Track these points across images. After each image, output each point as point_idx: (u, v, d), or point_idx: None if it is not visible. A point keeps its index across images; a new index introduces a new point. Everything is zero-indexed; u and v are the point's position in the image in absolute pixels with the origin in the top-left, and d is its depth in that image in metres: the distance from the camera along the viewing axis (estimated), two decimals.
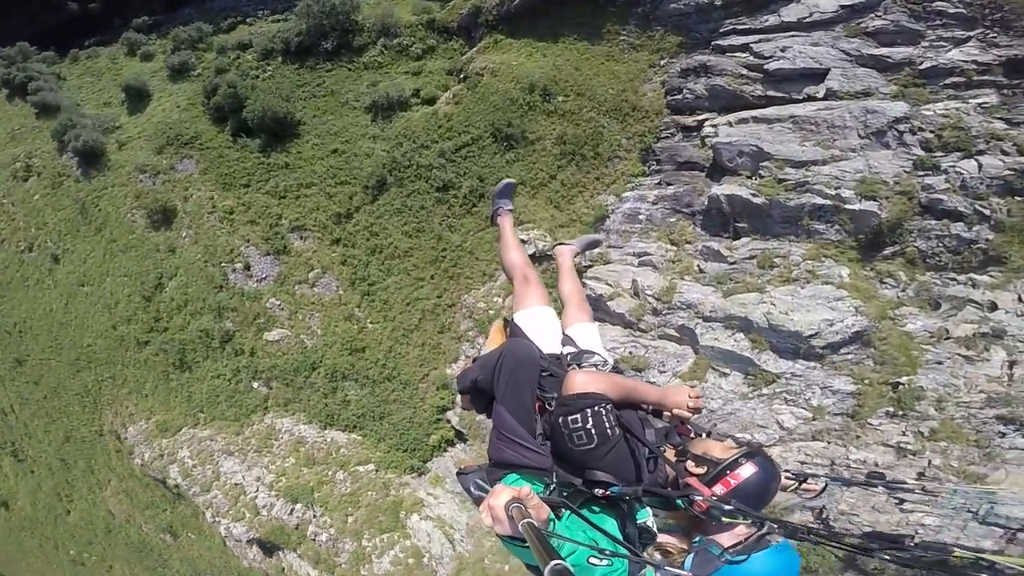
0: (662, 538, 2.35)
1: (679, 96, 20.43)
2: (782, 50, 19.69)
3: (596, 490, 2.38)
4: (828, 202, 15.26)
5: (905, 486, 3.56)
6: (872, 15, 19.17)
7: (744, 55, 20.04)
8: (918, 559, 2.06)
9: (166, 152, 23.99)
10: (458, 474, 2.84)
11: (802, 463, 11.64)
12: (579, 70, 22.33)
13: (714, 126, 19.10)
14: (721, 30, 21.48)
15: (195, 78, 26.58)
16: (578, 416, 2.46)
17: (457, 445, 18.57)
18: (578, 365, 3.12)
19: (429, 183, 21.18)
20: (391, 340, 20.67)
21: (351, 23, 25.65)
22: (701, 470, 2.39)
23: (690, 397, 2.69)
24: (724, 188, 17.21)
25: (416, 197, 21.17)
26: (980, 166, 14.20)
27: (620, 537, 2.28)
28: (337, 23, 25.37)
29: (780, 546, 2.04)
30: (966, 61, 17.14)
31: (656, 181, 19.41)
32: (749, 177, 17.22)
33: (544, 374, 2.88)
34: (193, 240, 21.97)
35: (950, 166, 14.55)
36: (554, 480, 2.51)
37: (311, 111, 23.98)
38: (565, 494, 2.46)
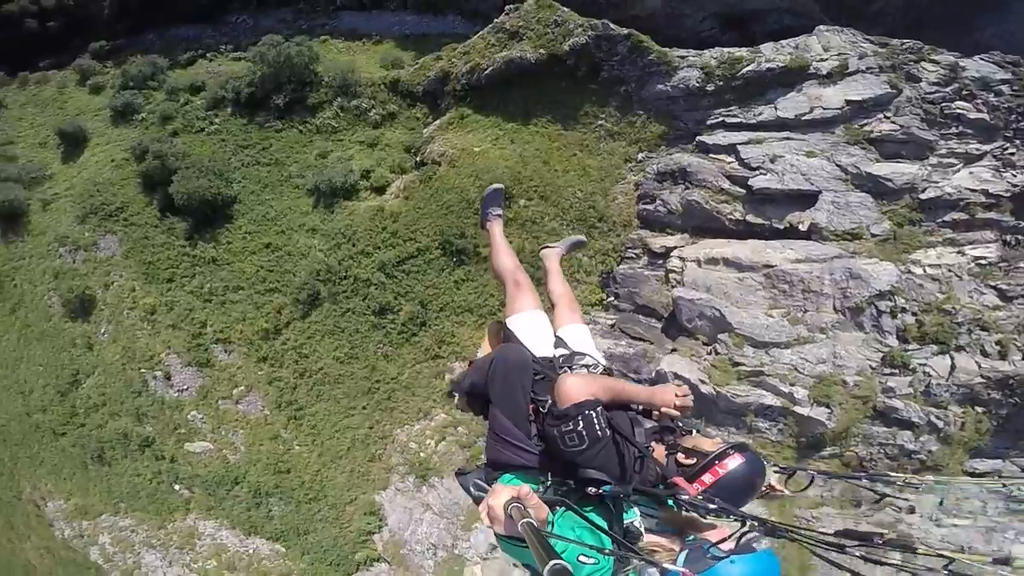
0: (649, 538, 2.37)
1: (651, 206, 17.77)
2: (771, 160, 16.87)
3: (589, 489, 2.41)
4: (778, 403, 13.39)
5: (888, 477, 2.87)
6: (880, 115, 16.52)
7: (729, 159, 17.29)
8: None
9: (90, 222, 21.50)
10: (457, 474, 2.96)
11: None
12: (548, 164, 18.96)
13: (682, 259, 16.47)
14: (709, 121, 18.49)
15: (138, 123, 23.59)
16: (569, 420, 2.49)
17: (383, 565, 16.98)
18: (569, 368, 3.14)
19: (366, 302, 18.41)
20: (319, 464, 18.59)
21: (309, 74, 22.06)
22: (691, 461, 2.45)
23: (677, 396, 2.74)
24: (675, 365, 14.76)
25: (351, 318, 18.43)
26: (953, 367, 12.52)
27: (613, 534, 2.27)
28: (293, 74, 21.83)
29: (765, 552, 2.08)
30: (974, 190, 14.96)
31: (611, 323, 16.59)
32: (706, 344, 14.99)
33: (537, 377, 2.92)
34: (112, 338, 19.75)
35: (921, 364, 12.82)
36: (549, 479, 2.60)
37: (250, 185, 20.99)
38: (560, 492, 2.53)
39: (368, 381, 18.11)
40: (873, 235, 15.24)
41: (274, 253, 19.62)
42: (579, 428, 2.45)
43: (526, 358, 2.99)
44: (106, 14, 28.53)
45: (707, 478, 2.33)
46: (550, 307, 3.83)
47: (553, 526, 2.15)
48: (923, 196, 15.17)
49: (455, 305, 18.03)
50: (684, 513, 2.29)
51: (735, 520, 2.10)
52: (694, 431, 2.75)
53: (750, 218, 16.43)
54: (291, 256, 19.41)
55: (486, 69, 20.17)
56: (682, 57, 19.11)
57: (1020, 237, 13.99)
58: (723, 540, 2.12)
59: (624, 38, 19.47)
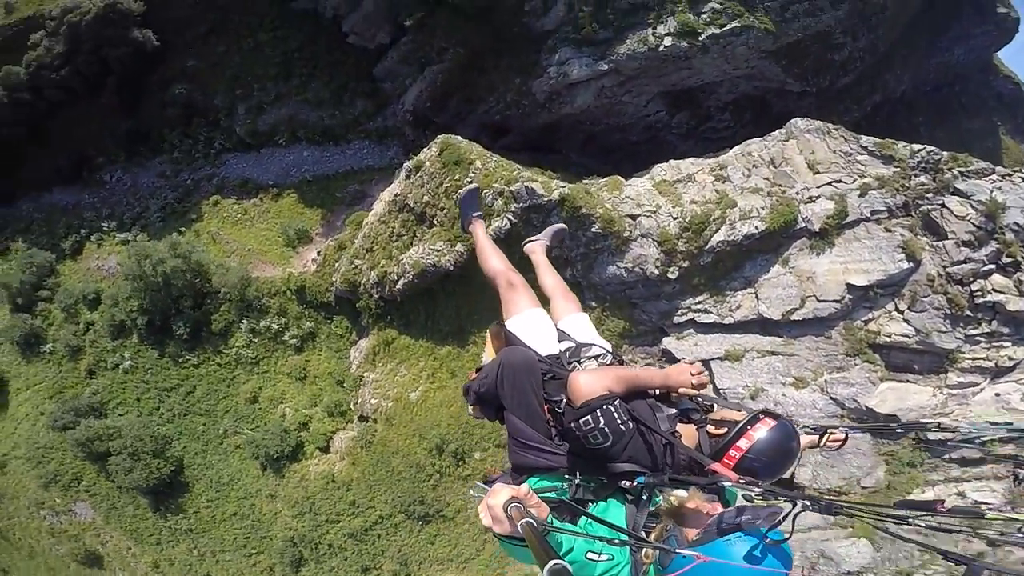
0: (666, 522, 2.20)
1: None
2: (752, 396, 14.58)
3: (623, 482, 2.37)
4: None
5: (923, 423, 3.06)
6: (891, 307, 13.59)
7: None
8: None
9: (53, 490, 20.20)
10: (484, 482, 2.74)
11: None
12: None
13: None
14: (676, 317, 15.78)
15: (48, 357, 21.03)
16: (589, 418, 2.42)
17: None
18: (578, 362, 3.02)
19: (348, 562, 17.97)
20: None
21: (201, 286, 19.07)
22: (721, 431, 2.41)
23: (692, 375, 2.63)
24: None
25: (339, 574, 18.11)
26: None
27: (627, 528, 2.23)
28: (182, 293, 18.85)
29: (757, 532, 1.89)
30: (995, 423, 12.13)
31: None
32: None
33: (547, 377, 2.83)
34: None
35: None
36: (577, 478, 2.50)
37: (191, 444, 19.50)
38: (592, 487, 2.48)
39: None
40: (863, 488, 13.47)
41: (243, 521, 18.68)
42: (600, 425, 2.40)
43: (531, 359, 2.90)
44: None
45: (742, 443, 2.27)
46: (545, 300, 3.73)
47: (554, 522, 2.01)
48: (928, 438, 12.40)
49: (434, 558, 17.60)
50: (679, 507, 2.20)
51: (786, 501, 1.96)
52: (715, 406, 2.73)
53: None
54: (262, 523, 18.52)
55: (397, 281, 17.12)
56: (632, 219, 15.39)
57: None
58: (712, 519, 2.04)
59: (556, 204, 15.50)
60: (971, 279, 13.02)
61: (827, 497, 1.94)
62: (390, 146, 21.88)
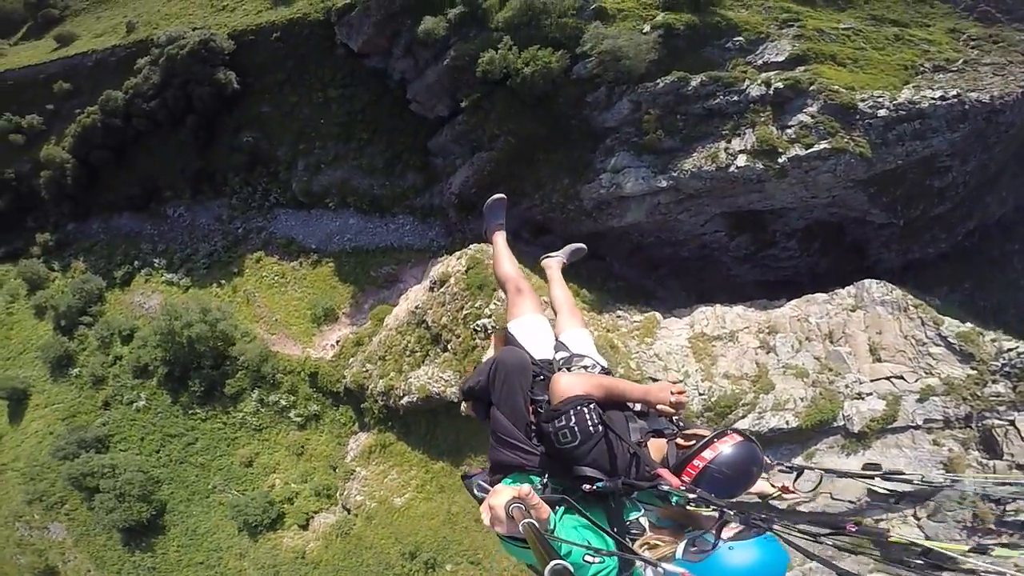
0: (650, 535, 2.23)
1: None
2: None
3: (584, 486, 2.35)
4: None
5: (902, 476, 2.43)
6: (911, 511, 11.02)
7: None
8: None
9: (35, 507, 20.68)
10: (463, 478, 2.89)
11: None
12: (479, 522, 15.36)
13: None
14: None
15: (73, 380, 21.71)
16: (563, 416, 2.43)
17: None
18: (568, 368, 3.04)
19: None
20: None
21: (225, 352, 18.98)
22: (689, 444, 2.37)
23: (672, 393, 2.65)
24: None
25: None
26: None
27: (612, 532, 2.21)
28: (202, 355, 18.83)
29: (766, 538, 1.93)
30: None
31: None
32: None
33: (537, 379, 2.86)
34: None
35: None
36: (546, 479, 2.51)
37: (179, 491, 19.47)
38: (561, 490, 2.44)
39: None
40: None
41: (208, 571, 18.22)
42: (571, 424, 2.39)
43: (525, 359, 2.90)
44: (44, 195, 25.39)
45: (706, 454, 2.22)
46: (554, 316, 3.75)
47: (555, 527, 2.08)
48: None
49: None
50: (688, 507, 2.22)
51: (715, 510, 2.01)
52: (691, 429, 2.57)
53: None
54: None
55: (402, 397, 16.19)
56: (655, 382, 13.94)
57: None
58: (722, 529, 1.96)
59: None
60: (1010, 499, 10.53)
61: (749, 512, 1.73)
62: (432, 225, 21.23)
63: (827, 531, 2.09)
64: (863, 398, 11.57)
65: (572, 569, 1.40)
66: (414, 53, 20.96)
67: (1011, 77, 16.23)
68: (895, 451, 11.55)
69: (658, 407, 2.65)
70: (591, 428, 2.40)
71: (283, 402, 18.69)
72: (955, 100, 15.33)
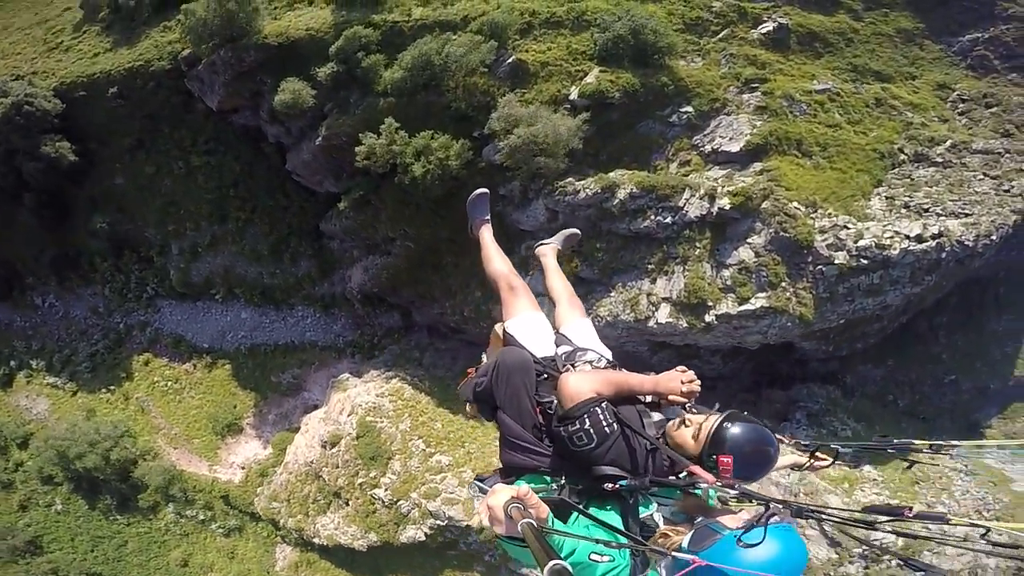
0: (662, 528, 2.21)
1: None
2: None
3: (606, 485, 2.29)
4: None
5: (914, 445, 3.18)
6: None
7: None
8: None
9: None
10: (475, 480, 2.78)
11: None
12: None
13: None
14: None
15: None
16: (576, 419, 2.36)
17: None
18: (572, 365, 2.91)
19: None
20: None
21: (127, 473, 17.46)
22: (692, 429, 2.33)
23: (683, 383, 2.53)
24: None
25: None
26: None
27: (624, 530, 2.18)
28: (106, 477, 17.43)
29: (780, 527, 1.83)
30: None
31: None
32: None
33: (540, 378, 2.77)
34: None
35: None
36: (563, 480, 2.46)
37: None
38: (578, 489, 2.42)
39: None
40: None
41: None
42: (586, 427, 2.32)
43: (526, 359, 2.80)
44: None
45: (727, 454, 2.13)
46: (551, 309, 3.55)
47: (554, 523, 1.95)
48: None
49: None
50: (695, 500, 2.19)
51: (759, 504, 1.92)
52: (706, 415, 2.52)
53: None
54: None
55: (314, 537, 15.23)
56: None
57: None
58: (731, 519, 2.00)
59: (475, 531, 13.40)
60: None
61: (798, 502, 1.71)
62: (337, 318, 18.29)
63: (886, 518, 2.09)
64: None
65: (571, 569, 1.33)
66: (282, 121, 16.29)
67: (1005, 197, 12.89)
68: None
69: (670, 397, 2.53)
70: (607, 429, 2.32)
71: (201, 516, 17.46)
72: (932, 245, 12.16)
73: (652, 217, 13.31)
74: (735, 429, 2.17)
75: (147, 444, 18.24)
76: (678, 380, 2.51)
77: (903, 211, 12.74)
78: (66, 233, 19.16)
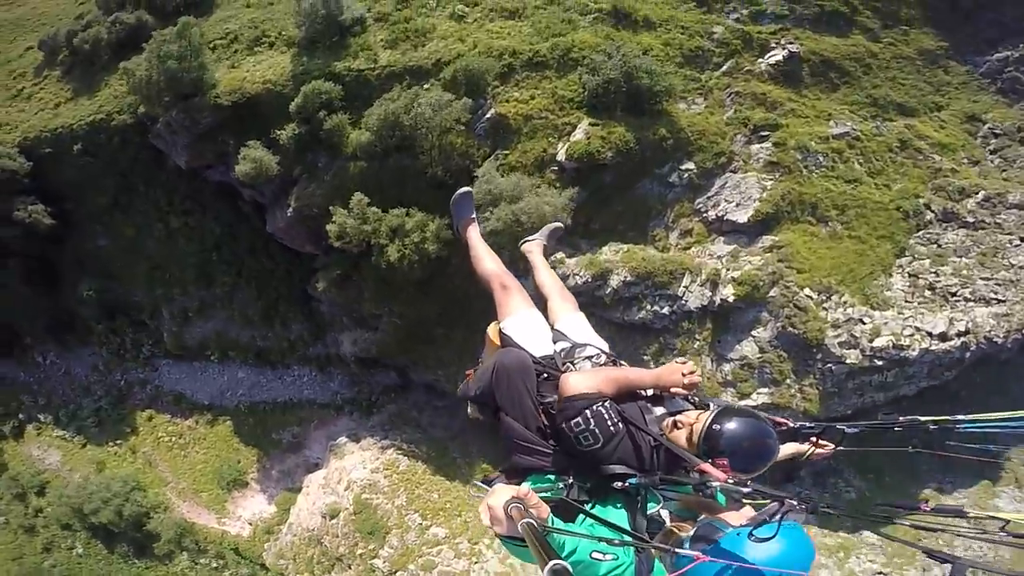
0: (671, 525, 2.17)
1: None
2: None
3: (615, 483, 2.26)
4: None
5: (919, 420, 2.48)
6: None
7: None
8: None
9: None
10: (483, 482, 2.71)
11: None
12: None
13: None
14: None
15: (4, 527, 20.89)
16: (580, 419, 2.31)
17: None
18: (571, 363, 2.86)
19: None
20: None
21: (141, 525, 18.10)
22: (685, 431, 2.31)
23: (684, 375, 2.46)
24: None
25: None
26: None
27: (629, 529, 2.13)
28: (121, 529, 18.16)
29: (787, 525, 1.74)
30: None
31: None
32: None
33: (541, 377, 2.70)
34: None
35: None
36: (571, 479, 2.39)
37: None
38: (587, 487, 2.37)
39: None
40: None
41: None
42: (591, 427, 2.30)
43: (526, 360, 2.74)
44: None
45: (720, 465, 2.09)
46: (543, 306, 3.47)
47: (556, 523, 1.89)
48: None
49: None
50: (700, 497, 2.18)
51: (773, 501, 1.82)
52: (710, 404, 2.49)
53: None
54: None
55: None
56: None
57: None
58: (734, 516, 2.01)
59: None
60: None
61: (813, 498, 1.06)
62: (333, 376, 17.84)
63: (904, 511, 2.04)
64: None
65: (571, 569, 1.32)
66: (251, 185, 15.09)
67: None
68: None
69: (672, 390, 2.53)
70: (611, 427, 2.31)
71: (214, 564, 17.92)
72: (956, 344, 10.85)
73: (648, 307, 12.16)
74: (729, 426, 2.12)
75: (157, 497, 18.52)
76: (679, 372, 2.48)
77: (927, 294, 11.34)
78: (58, 298, 18.71)
